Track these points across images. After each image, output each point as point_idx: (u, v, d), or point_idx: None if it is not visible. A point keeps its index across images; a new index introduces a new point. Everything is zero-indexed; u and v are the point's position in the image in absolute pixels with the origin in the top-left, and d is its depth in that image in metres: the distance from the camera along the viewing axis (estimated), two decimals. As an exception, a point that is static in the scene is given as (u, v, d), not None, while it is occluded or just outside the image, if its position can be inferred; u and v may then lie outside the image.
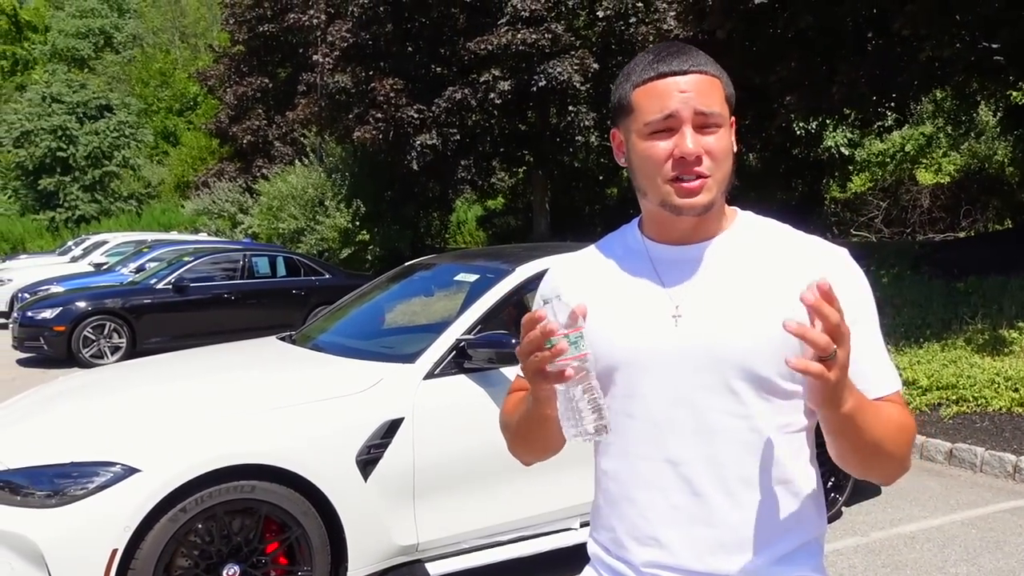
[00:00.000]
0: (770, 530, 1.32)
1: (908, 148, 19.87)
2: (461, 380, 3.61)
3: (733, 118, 1.38)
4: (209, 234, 24.13)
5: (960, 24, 9.44)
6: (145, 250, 15.96)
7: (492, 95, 16.24)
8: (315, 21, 18.78)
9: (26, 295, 13.08)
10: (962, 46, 9.44)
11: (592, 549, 1.49)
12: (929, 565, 4.06)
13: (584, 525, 3.73)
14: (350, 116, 17.45)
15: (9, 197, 39.30)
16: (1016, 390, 6.19)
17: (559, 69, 16.08)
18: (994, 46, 9.60)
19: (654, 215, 1.39)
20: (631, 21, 17.05)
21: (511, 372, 3.58)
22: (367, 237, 18.88)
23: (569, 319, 1.19)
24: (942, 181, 18.50)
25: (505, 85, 16.16)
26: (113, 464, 3.00)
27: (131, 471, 2.98)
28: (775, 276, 1.32)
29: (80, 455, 3.05)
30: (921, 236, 17.05)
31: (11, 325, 11.11)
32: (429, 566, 3.50)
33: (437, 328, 3.86)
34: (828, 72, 10.55)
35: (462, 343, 3.63)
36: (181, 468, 3.03)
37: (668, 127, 1.29)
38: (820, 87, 10.53)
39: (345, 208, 18.76)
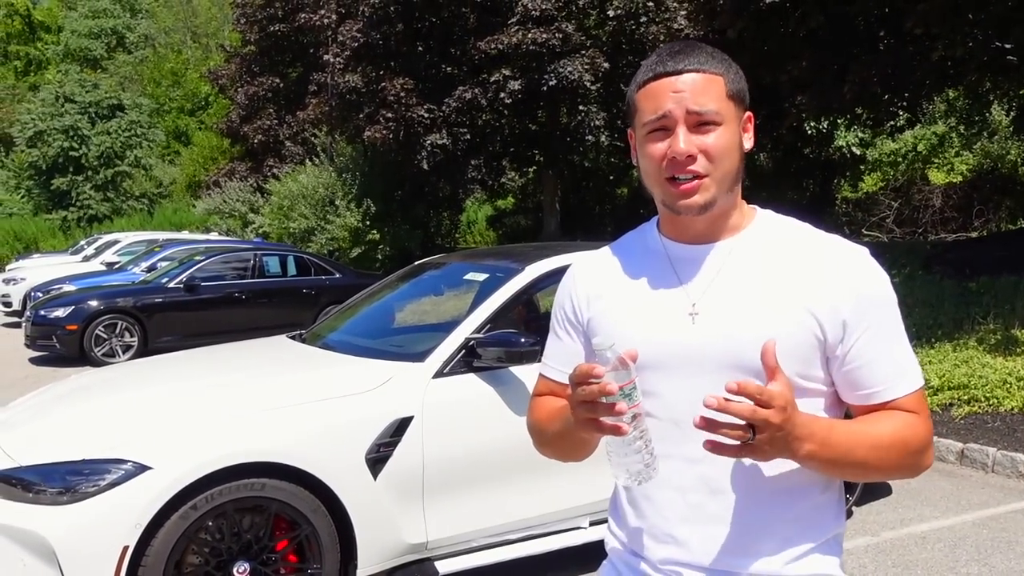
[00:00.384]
0: (787, 529, 1.32)
1: (920, 148, 19.77)
2: (470, 379, 3.61)
3: (749, 113, 1.37)
4: (220, 233, 24.19)
5: (973, 23, 9.39)
6: (157, 249, 16.03)
7: (502, 95, 16.26)
8: (326, 21, 18.82)
9: (39, 294, 13.14)
10: (974, 45, 9.39)
11: (610, 544, 1.50)
12: (940, 565, 4.04)
13: (594, 524, 3.73)
14: (361, 116, 17.47)
15: (22, 197, 39.56)
16: (1028, 391, 6.15)
17: (569, 69, 16.05)
18: (1007, 45, 9.55)
19: (664, 214, 1.41)
20: (642, 20, 17.01)
21: (520, 371, 3.59)
22: (377, 236, 18.88)
23: (622, 368, 1.18)
24: (954, 181, 18.41)
25: (515, 85, 16.17)
26: (124, 462, 3.02)
27: (142, 468, 3.00)
28: (793, 274, 1.32)
29: (92, 453, 3.06)
30: (933, 236, 16.97)
31: (24, 324, 11.17)
32: (438, 564, 3.50)
33: (447, 327, 3.86)
34: (840, 71, 10.49)
35: (471, 342, 3.63)
36: (192, 466, 3.04)
37: (663, 127, 1.30)
38: (832, 86, 10.48)
39: (355, 208, 18.78)
